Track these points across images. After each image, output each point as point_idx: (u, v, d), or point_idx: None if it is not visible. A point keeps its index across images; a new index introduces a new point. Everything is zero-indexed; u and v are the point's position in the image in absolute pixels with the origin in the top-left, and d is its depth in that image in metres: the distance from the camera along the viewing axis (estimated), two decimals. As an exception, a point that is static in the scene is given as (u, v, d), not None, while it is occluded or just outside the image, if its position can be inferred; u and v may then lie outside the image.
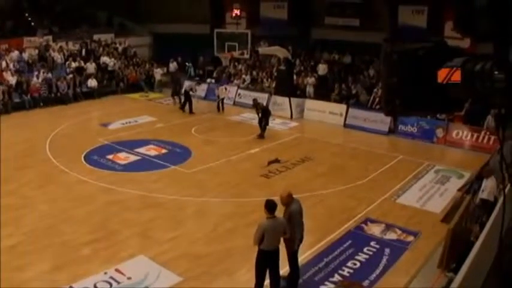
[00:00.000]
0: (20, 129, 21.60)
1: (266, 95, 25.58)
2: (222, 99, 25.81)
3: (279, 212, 8.84)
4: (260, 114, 20.74)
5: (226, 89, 26.53)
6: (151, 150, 18.38)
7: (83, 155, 17.57)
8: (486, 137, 19.30)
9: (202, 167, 16.69)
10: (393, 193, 14.71)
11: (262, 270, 8.80)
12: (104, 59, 31.00)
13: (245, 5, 32.04)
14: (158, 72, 31.10)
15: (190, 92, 25.39)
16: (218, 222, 12.39)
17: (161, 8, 33.87)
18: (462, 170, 16.76)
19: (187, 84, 26.77)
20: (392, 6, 26.56)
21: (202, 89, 28.57)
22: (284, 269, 9.34)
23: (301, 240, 9.36)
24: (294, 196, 9.28)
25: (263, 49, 27.95)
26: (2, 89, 24.51)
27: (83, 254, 10.72)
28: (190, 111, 25.01)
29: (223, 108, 25.69)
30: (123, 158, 17.54)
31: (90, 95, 28.03)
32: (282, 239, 8.86)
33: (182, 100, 25.67)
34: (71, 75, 28.01)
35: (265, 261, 8.74)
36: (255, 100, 21.86)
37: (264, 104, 22.82)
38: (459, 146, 20.00)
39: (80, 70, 29.01)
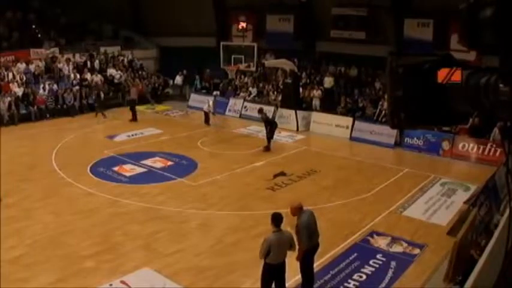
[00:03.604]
0: (26, 141, 21.68)
1: (272, 108, 25.54)
2: (206, 112, 25.14)
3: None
4: (268, 127, 20.72)
5: (209, 101, 25.74)
6: (157, 163, 18.38)
7: (88, 167, 17.58)
8: (492, 149, 19.23)
9: (208, 180, 16.67)
10: (399, 206, 14.67)
11: (268, 284, 8.77)
12: (111, 71, 31.11)
13: (251, 18, 32.14)
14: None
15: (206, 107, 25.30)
16: (223, 235, 12.37)
17: (167, 21, 33.93)
18: (468, 182, 16.72)
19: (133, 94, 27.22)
20: (398, 19, 26.62)
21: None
22: (290, 282, 9.33)
23: (316, 249, 9.47)
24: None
25: (269, 62, 28.04)
26: (8, 100, 24.63)
27: (87, 266, 10.69)
28: (133, 119, 25.69)
29: (208, 121, 25.16)
30: (129, 170, 17.53)
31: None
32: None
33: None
34: (77, 87, 28.12)
35: (271, 274, 8.72)
36: (261, 109, 21.88)
37: (270, 116, 22.76)
38: (465, 159, 19.94)
39: (86, 82, 29.07)
